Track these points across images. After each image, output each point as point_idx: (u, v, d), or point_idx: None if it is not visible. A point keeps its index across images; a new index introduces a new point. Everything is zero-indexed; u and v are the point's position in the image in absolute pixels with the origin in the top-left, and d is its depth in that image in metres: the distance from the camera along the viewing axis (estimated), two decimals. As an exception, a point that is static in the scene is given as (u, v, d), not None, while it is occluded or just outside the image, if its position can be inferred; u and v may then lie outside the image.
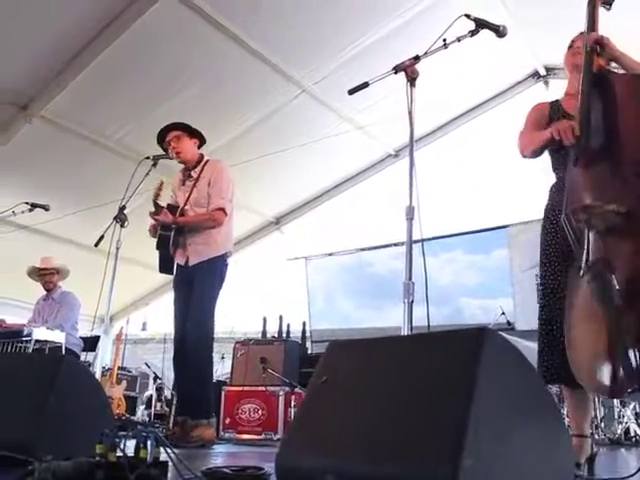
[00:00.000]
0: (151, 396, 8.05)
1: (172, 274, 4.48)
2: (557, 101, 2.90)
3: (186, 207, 4.32)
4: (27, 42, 5.59)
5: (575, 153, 2.45)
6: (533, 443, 1.50)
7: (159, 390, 8.03)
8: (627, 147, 2.36)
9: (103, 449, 1.61)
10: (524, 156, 2.81)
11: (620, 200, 2.24)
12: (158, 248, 4.34)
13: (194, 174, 4.36)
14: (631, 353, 1.99)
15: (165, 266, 4.45)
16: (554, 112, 2.83)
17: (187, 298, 4.18)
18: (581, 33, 2.82)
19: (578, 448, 2.49)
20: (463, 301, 8.89)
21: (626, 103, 2.46)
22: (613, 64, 2.69)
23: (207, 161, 4.38)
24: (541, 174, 3.00)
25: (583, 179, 2.42)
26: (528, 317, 7.65)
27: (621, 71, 2.65)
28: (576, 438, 2.52)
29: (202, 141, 4.49)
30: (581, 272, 2.28)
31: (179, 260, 4.29)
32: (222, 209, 4.20)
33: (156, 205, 4.24)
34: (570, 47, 2.90)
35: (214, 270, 4.21)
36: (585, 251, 2.26)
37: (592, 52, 2.57)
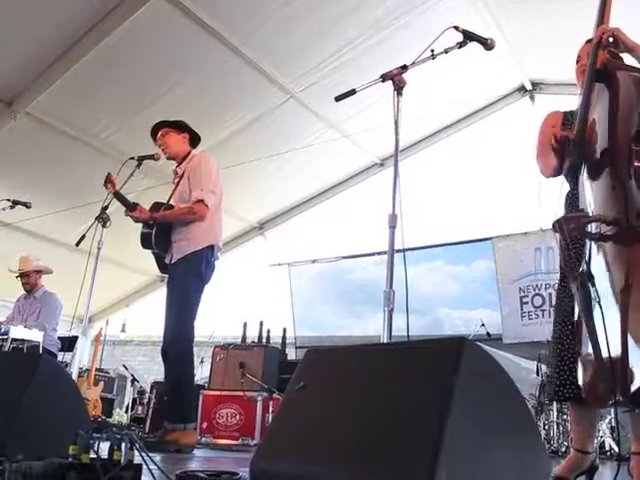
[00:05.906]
0: (133, 399, 8.02)
1: None
2: (572, 111, 2.71)
3: (172, 203, 4.25)
4: (14, 39, 5.56)
5: (570, 159, 2.33)
6: (509, 456, 1.50)
7: (140, 394, 7.97)
8: (620, 152, 2.15)
9: (76, 450, 1.58)
10: (547, 177, 2.67)
11: (610, 209, 2.10)
12: (144, 247, 4.24)
13: (179, 170, 4.31)
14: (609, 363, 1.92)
15: (163, 265, 4.27)
16: (568, 121, 2.66)
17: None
18: (587, 41, 2.62)
19: (573, 462, 2.47)
20: (443, 311, 8.92)
21: (622, 101, 2.22)
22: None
23: (193, 156, 4.32)
24: (526, 187, 2.98)
25: (583, 187, 2.28)
26: (515, 330, 7.72)
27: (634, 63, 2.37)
28: (573, 452, 2.50)
29: (194, 137, 4.40)
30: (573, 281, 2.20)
31: (167, 259, 4.20)
32: (201, 201, 4.05)
33: (121, 198, 4.11)
34: (577, 62, 2.71)
35: (191, 266, 4.02)
36: (585, 260, 2.13)
37: (598, 46, 2.36)
